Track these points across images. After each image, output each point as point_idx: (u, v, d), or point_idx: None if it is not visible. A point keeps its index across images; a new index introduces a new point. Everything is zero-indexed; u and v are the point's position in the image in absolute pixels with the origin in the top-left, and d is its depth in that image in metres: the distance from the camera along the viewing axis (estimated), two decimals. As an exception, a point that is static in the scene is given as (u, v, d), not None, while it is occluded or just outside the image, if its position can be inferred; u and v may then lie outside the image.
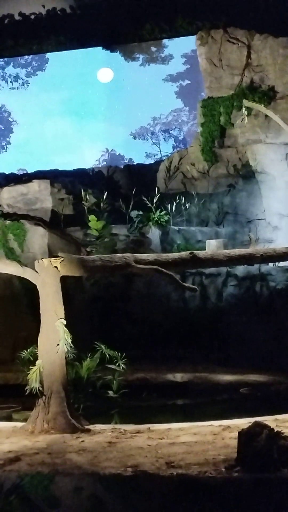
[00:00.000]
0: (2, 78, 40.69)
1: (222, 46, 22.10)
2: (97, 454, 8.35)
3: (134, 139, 48.98)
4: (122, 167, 26.36)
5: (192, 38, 23.30)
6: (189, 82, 45.95)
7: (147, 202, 19.24)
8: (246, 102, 20.98)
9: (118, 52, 27.78)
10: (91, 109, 56.23)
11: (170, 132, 48.44)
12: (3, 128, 47.25)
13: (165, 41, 30.01)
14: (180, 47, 38.42)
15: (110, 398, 12.87)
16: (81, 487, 7.47)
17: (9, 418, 12.50)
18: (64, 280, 10.53)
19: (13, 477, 7.59)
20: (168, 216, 19.36)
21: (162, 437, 9.24)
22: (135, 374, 14.69)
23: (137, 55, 31.17)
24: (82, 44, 24.77)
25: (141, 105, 54.16)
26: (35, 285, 10.57)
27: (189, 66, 44.70)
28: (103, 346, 12.36)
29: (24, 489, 7.52)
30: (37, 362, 10.26)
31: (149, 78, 47.71)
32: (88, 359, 12.23)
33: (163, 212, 19.23)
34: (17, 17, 23.92)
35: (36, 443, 9.13)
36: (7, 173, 25.69)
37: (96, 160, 48.61)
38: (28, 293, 17.30)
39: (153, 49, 31.90)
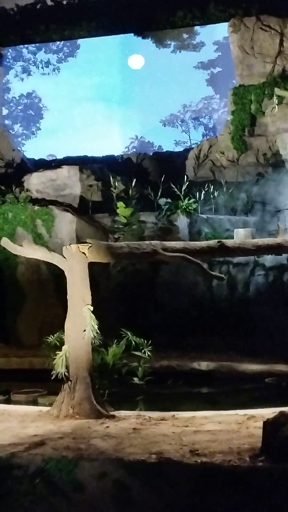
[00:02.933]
0: (33, 64, 40.70)
1: (254, 34, 21.94)
2: (122, 440, 8.38)
3: (164, 126, 48.82)
4: (151, 154, 26.29)
5: (224, 25, 23.16)
6: (220, 69, 45.62)
7: (176, 189, 19.21)
8: (277, 91, 20.83)
9: (150, 39, 27.67)
10: (122, 95, 56.11)
11: (200, 119, 48.21)
12: (33, 114, 47.31)
13: (197, 28, 29.81)
14: (212, 34, 38.17)
15: (135, 385, 12.90)
16: (105, 472, 7.51)
17: (35, 402, 12.60)
18: (91, 266, 10.55)
19: (38, 460, 7.65)
20: (197, 204, 19.31)
21: (187, 424, 9.25)
22: (160, 361, 14.71)
23: (169, 42, 31.03)
24: (114, 30, 24.71)
25: (171, 92, 53.96)
26: (62, 271, 10.61)
27: (220, 54, 44.38)
28: (129, 333, 12.38)
29: (49, 473, 7.57)
30: (63, 348, 10.31)
31: (180, 65, 47.48)
32: (114, 345, 12.25)
33: (191, 200, 19.18)
34: (49, 3, 23.95)
35: (61, 428, 9.19)
36: (36, 158, 25.75)
37: (125, 147, 48.49)
38: (55, 279, 17.42)
39: (185, 36, 31.73)
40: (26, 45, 36.40)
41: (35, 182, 20.72)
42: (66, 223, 18.99)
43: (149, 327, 15.32)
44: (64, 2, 23.74)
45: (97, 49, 48.16)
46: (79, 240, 17.04)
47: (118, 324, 12.85)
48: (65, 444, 8.23)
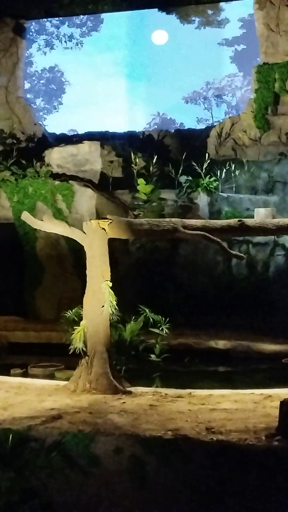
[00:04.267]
0: (56, 38, 40.57)
1: (280, 11, 21.68)
2: (138, 416, 8.43)
3: (186, 103, 48.67)
4: (173, 131, 26.16)
5: (250, 2, 22.92)
6: (245, 47, 45.34)
7: (197, 167, 19.12)
8: (302, 69, 20.61)
9: (174, 14, 27.38)
10: (144, 71, 55.93)
11: (223, 97, 47.98)
12: (55, 88, 47.26)
13: (222, 4, 29.44)
14: (237, 10, 37.89)
15: (152, 361, 12.93)
16: (121, 447, 7.55)
17: (52, 377, 12.67)
18: (110, 242, 10.56)
19: (55, 434, 7.71)
20: (217, 182, 19.22)
21: (203, 402, 9.28)
22: (178, 339, 14.74)
23: (193, 18, 30.67)
24: (138, 5, 24.50)
25: (194, 69, 53.77)
26: (81, 246, 10.62)
27: (245, 31, 44.07)
28: (147, 310, 12.40)
29: (65, 447, 7.64)
30: (81, 323, 10.34)
31: (204, 41, 47.23)
32: (132, 322, 12.28)
33: (212, 178, 19.08)
34: (73, -24, 23.77)
35: (78, 402, 9.25)
36: (57, 133, 25.72)
37: (147, 124, 48.45)
38: (74, 254, 17.48)
39: (210, 12, 31.35)
40: (49, 19, 36.23)
41: (56, 157, 20.70)
42: (86, 199, 18.99)
43: (167, 305, 15.33)
44: (89, -24, 23.56)
45: (120, 24, 47.98)
46: (99, 216, 17.07)
47: (137, 300, 12.88)
48: (81, 418, 8.29)
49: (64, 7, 24.20)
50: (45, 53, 41.66)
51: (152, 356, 12.97)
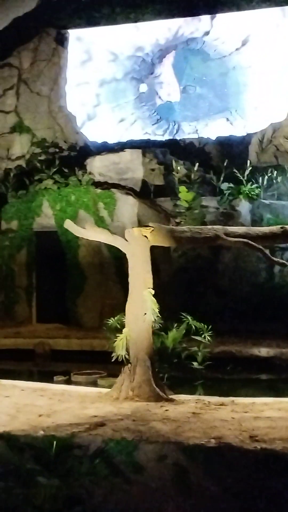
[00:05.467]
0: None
1: None
2: (181, 424, 8.41)
3: (227, 110, 48.42)
4: (214, 138, 26.05)
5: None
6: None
7: (238, 174, 19.07)
8: None
9: (215, 21, 27.28)
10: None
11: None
12: (97, 97, 47.41)
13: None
14: None
15: (195, 369, 12.86)
16: (164, 455, 7.55)
17: (94, 384, 12.72)
18: (152, 250, 10.56)
19: (98, 441, 7.74)
20: (259, 189, 19.13)
21: (246, 410, 9.22)
22: (220, 347, 14.68)
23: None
24: (180, 13, 24.44)
25: (235, 76, 53.43)
26: (123, 254, 10.64)
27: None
28: (189, 317, 12.35)
29: (108, 454, 7.66)
30: (124, 330, 10.35)
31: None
32: (174, 329, 12.24)
33: (254, 185, 19.02)
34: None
35: (121, 410, 9.26)
36: (99, 142, 25.78)
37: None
38: (116, 262, 17.55)
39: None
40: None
41: (98, 165, 20.81)
42: (128, 207, 19.06)
43: (209, 312, 15.28)
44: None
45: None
46: (141, 223, 17.09)
47: (179, 308, 12.84)
48: (124, 425, 8.30)
49: (105, 17, 24.32)
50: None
51: (195, 363, 12.88)
